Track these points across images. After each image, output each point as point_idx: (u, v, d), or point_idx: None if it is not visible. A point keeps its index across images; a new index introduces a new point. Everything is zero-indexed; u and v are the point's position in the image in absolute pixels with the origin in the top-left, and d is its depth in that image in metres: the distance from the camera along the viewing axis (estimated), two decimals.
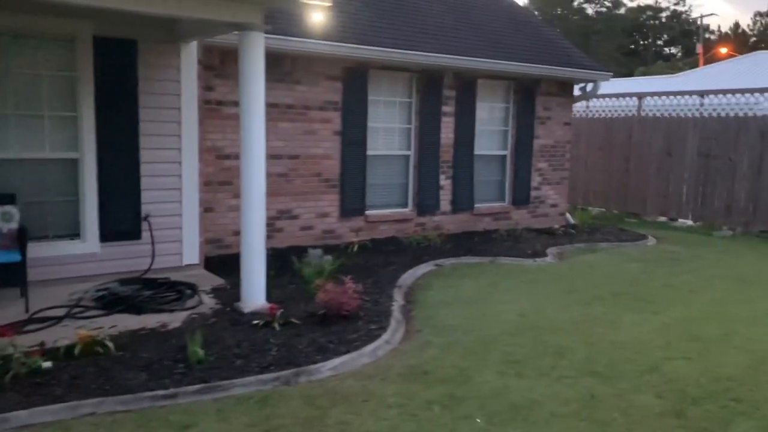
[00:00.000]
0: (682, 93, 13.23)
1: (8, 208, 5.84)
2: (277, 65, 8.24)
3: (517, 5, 12.85)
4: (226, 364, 4.50)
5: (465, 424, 3.75)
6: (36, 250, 6.24)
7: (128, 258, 6.79)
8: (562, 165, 11.67)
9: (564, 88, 11.32)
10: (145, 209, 6.85)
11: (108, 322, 5.40)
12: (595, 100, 14.97)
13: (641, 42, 56.28)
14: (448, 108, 9.93)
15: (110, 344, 4.65)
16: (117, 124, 6.58)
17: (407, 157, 9.76)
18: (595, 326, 5.66)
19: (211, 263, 7.53)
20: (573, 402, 4.06)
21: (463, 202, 10.29)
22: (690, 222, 12.88)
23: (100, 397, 3.94)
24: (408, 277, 7.33)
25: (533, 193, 11.30)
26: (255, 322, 5.39)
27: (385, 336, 5.22)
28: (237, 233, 8.08)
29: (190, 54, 6.97)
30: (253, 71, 5.67)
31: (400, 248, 8.76)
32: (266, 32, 7.70)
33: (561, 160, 11.63)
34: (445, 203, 10.12)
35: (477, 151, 10.43)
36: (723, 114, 12.35)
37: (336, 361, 4.63)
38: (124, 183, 6.70)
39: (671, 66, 40.13)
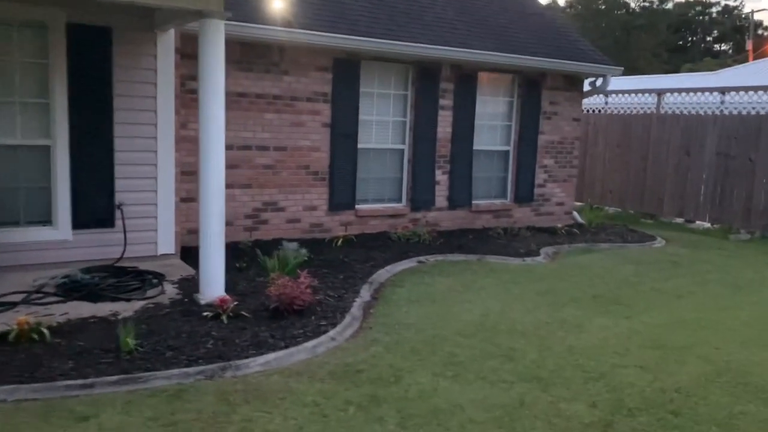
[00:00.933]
0: (701, 90, 12.68)
1: None
2: (264, 56, 8.17)
3: None
4: (156, 355, 4.43)
5: (375, 426, 3.59)
6: (7, 235, 6.32)
7: (101, 246, 6.80)
8: (570, 162, 11.31)
9: (572, 82, 10.96)
10: (118, 197, 6.85)
11: (63, 309, 5.41)
12: (614, 96, 14.54)
13: (689, 38, 54.59)
14: (446, 101, 9.71)
15: (46, 331, 4.63)
16: (90, 111, 6.58)
17: (401, 151, 9.57)
18: (558, 330, 5.41)
19: (190, 253, 7.48)
20: (498, 408, 3.86)
21: (460, 198, 10.06)
22: (707, 224, 12.36)
23: (17, 384, 3.91)
24: (384, 273, 7.17)
25: (537, 191, 10.99)
26: (205, 314, 5.32)
27: (331, 332, 5.08)
28: None
29: (167, 43, 6.93)
30: (213, 60, 5.59)
31: (387, 244, 8.59)
32: (252, 22, 7.72)
33: (568, 157, 11.27)
34: (441, 199, 9.91)
35: (477, 146, 10.18)
36: (744, 112, 11.78)
37: (269, 357, 4.52)
38: (98, 171, 6.71)
39: (720, 63, 38.75)
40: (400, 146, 9.56)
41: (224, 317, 5.22)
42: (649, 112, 13.42)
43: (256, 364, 4.40)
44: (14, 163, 6.39)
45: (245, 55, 8.03)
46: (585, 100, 14.92)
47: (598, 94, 11.43)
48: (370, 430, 3.56)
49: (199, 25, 5.57)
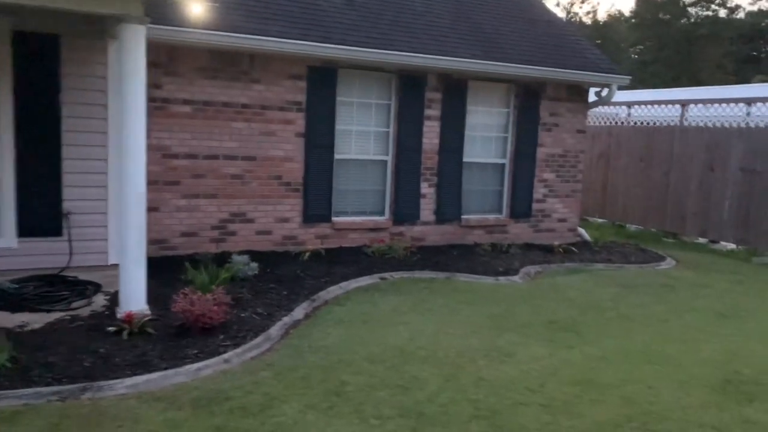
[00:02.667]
0: (726, 101, 11.78)
1: None
2: (233, 63, 8.01)
3: (533, 1, 11.91)
4: (23, 372, 4.24)
5: None
6: None
7: (48, 254, 6.74)
8: (574, 176, 10.67)
9: (576, 92, 10.35)
10: (66, 206, 6.78)
11: None
12: (637, 107, 13.76)
13: (763, 48, 51.77)
14: (433, 111, 9.30)
15: None
16: (38, 119, 6.55)
17: (384, 162, 9.22)
18: (482, 358, 4.93)
19: (151, 264, 7.34)
20: None
21: (448, 212, 9.61)
22: (732, 245, 11.43)
23: None
24: (336, 289, 6.83)
25: (536, 206, 10.40)
26: (110, 329, 5.13)
27: (228, 354, 4.79)
28: (185, 234, 8.01)
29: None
30: (132, 66, 5.41)
31: (358, 258, 8.24)
32: (216, 28, 7.56)
33: (572, 171, 10.64)
34: (427, 213, 9.49)
35: (468, 159, 9.73)
36: None
37: (141, 379, 4.26)
38: (44, 178, 6.66)
39: None
40: (383, 157, 9.21)
41: (125, 333, 5.00)
42: (672, 124, 12.59)
43: (122, 386, 4.15)
44: None
45: (212, 62, 7.88)
46: (606, 111, 14.27)
47: (603, 104, 10.76)
48: None
49: (118, 31, 5.41)
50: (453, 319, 5.93)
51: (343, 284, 7.03)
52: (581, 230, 11.03)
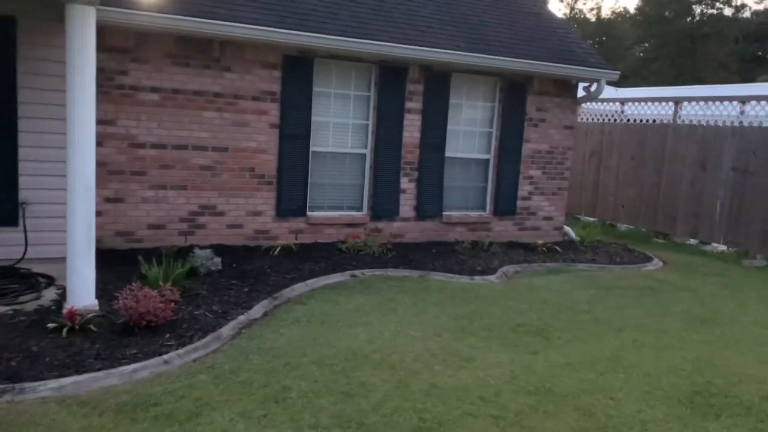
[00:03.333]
0: (720, 98, 11.47)
1: None
2: (203, 50, 7.74)
3: None
4: None
5: None
6: None
7: (3, 245, 6.50)
8: (561, 174, 10.39)
9: (564, 87, 10.06)
10: (22, 195, 6.54)
11: None
12: (630, 104, 13.46)
13: None
14: (414, 104, 9.02)
15: None
16: None
17: (363, 156, 8.95)
18: (439, 364, 4.67)
19: (113, 257, 7.12)
20: None
21: (429, 208, 9.34)
22: (723, 247, 11.13)
23: None
24: (302, 287, 6.58)
25: (521, 204, 10.13)
26: (50, 325, 4.87)
27: (169, 355, 4.54)
28: (152, 227, 7.76)
29: None
30: (79, 50, 5.14)
31: (331, 254, 7.98)
32: (185, 13, 7.28)
33: (559, 168, 10.36)
34: (407, 209, 9.22)
35: (450, 154, 9.45)
36: (765, 124, 10.55)
37: (68, 380, 4.01)
38: (0, 167, 6.41)
39: None
40: (362, 150, 8.93)
41: (65, 331, 4.75)
42: (666, 122, 12.29)
43: (46, 388, 3.90)
44: None
45: (182, 49, 7.61)
46: (599, 107, 13.97)
47: (591, 100, 10.48)
48: None
49: (66, 12, 5.13)
50: (417, 320, 5.68)
51: (311, 281, 6.77)
52: (567, 229, 10.75)
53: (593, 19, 53.82)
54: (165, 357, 4.49)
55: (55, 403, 3.71)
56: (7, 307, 5.34)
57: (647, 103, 12.93)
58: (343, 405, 3.91)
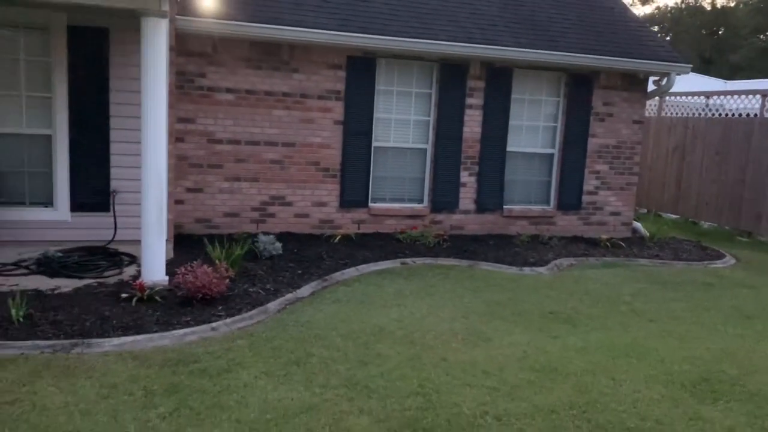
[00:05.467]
0: None
1: None
2: (274, 54, 8.41)
3: None
4: (32, 327, 4.80)
5: (138, 413, 3.63)
6: (14, 213, 7.15)
7: (96, 228, 7.43)
8: (630, 168, 10.29)
9: (632, 81, 9.97)
10: (113, 184, 7.44)
11: (21, 281, 6.02)
12: (715, 97, 12.98)
13: None
14: (474, 100, 9.30)
15: None
16: (88, 105, 7.22)
17: (423, 150, 9.34)
18: (455, 341, 5.01)
19: (191, 241, 7.94)
20: (279, 410, 3.70)
21: (489, 201, 9.59)
22: None
23: None
24: (352, 272, 7.08)
25: (587, 198, 10.14)
26: (123, 295, 5.65)
27: (216, 323, 5.17)
28: (227, 215, 8.55)
29: None
30: (153, 56, 5.89)
31: (386, 243, 8.44)
32: (257, 20, 7.97)
33: (627, 163, 10.27)
34: (467, 201, 9.52)
35: (512, 148, 9.65)
36: None
37: (128, 339, 4.71)
38: (94, 159, 7.35)
39: None
40: (422, 145, 9.33)
41: (134, 300, 5.50)
42: (752, 115, 11.78)
43: (109, 344, 4.62)
44: (19, 149, 7.20)
45: (254, 52, 8.32)
46: (683, 101, 13.55)
47: (661, 94, 10.29)
48: (127, 414, 3.60)
49: (141, 24, 5.90)
50: (451, 304, 6.02)
51: (361, 267, 7.26)
52: (637, 225, 10.63)
53: (708, 8, 50.85)
54: (213, 325, 5.12)
55: (114, 356, 4.41)
56: (94, 281, 6.19)
57: (733, 97, 12.42)
58: (355, 371, 4.36)
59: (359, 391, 4.03)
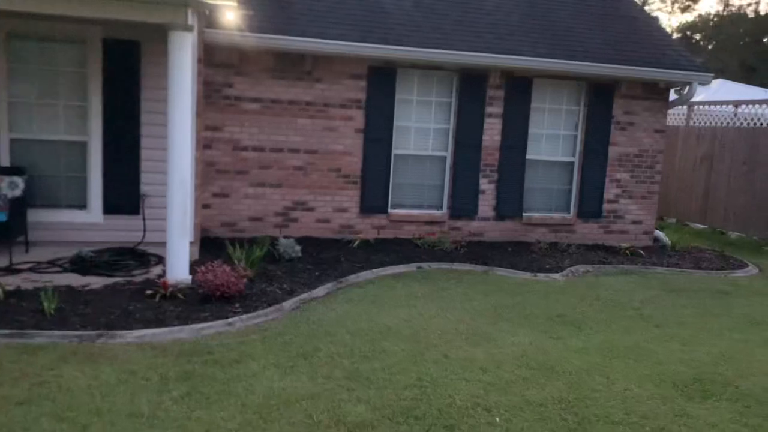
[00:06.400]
0: None
1: (15, 178, 7.21)
2: (297, 64, 8.74)
3: None
4: (63, 319, 5.16)
5: (153, 395, 3.92)
6: (51, 215, 7.60)
7: (127, 230, 7.83)
8: (651, 177, 10.32)
9: (653, 90, 10.02)
10: (143, 189, 7.84)
11: (55, 278, 6.42)
12: (744, 106, 12.88)
13: None
14: (494, 108, 9.49)
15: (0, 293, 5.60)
16: (121, 113, 7.64)
17: (443, 158, 9.55)
18: (460, 341, 5.20)
19: (216, 244, 8.29)
20: (282, 398, 3.95)
21: (508, 209, 9.74)
22: None
23: None
24: (367, 274, 7.32)
25: (608, 207, 10.20)
26: (147, 292, 5.99)
27: (233, 319, 5.45)
28: (252, 219, 8.89)
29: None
30: (179, 67, 6.26)
31: (404, 248, 8.66)
32: (280, 33, 8.33)
33: (649, 172, 10.30)
34: (486, 209, 9.68)
35: (532, 156, 9.79)
36: None
37: (148, 332, 5.03)
38: (126, 164, 7.75)
39: None
40: (442, 153, 9.53)
41: (158, 297, 5.84)
42: None
43: (131, 336, 4.94)
44: (57, 155, 7.66)
45: (278, 63, 8.66)
46: (711, 110, 13.47)
47: (683, 104, 10.29)
48: (143, 397, 3.90)
49: (168, 36, 6.27)
50: (460, 306, 6.20)
51: (377, 270, 7.49)
52: (659, 233, 10.64)
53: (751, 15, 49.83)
54: (229, 320, 5.41)
55: (135, 346, 4.73)
56: (122, 279, 6.55)
57: (762, 105, 12.32)
58: (359, 364, 4.59)
59: (360, 383, 4.26)
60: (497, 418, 3.78)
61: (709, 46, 45.23)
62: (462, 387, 4.24)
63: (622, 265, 8.73)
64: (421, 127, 9.42)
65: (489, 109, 9.48)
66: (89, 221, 7.74)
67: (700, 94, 14.03)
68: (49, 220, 7.57)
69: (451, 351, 4.94)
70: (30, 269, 6.64)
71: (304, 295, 6.33)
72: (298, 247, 7.77)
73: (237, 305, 5.83)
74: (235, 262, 6.78)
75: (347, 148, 9.07)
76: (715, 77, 11.35)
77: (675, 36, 28.69)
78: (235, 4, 6.84)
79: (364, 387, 4.19)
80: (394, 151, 9.26)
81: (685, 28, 30.25)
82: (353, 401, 3.98)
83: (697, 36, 48.70)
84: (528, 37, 9.57)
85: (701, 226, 13.22)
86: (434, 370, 4.53)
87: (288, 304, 6.03)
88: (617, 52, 9.75)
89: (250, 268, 6.60)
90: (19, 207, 7.08)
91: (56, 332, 4.89)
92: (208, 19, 7.87)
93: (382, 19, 9.12)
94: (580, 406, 4.04)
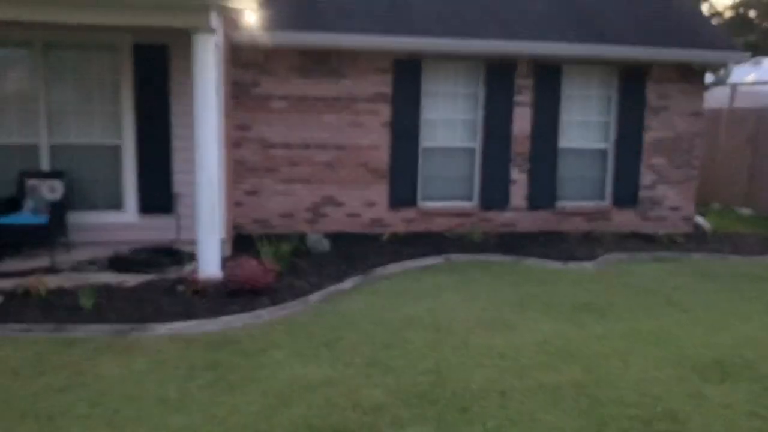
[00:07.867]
0: None
1: (55, 182, 7.53)
2: (323, 61, 8.86)
3: None
4: (99, 314, 5.39)
5: (180, 382, 4.07)
6: (87, 217, 7.89)
7: (161, 229, 8.07)
8: (689, 162, 10.08)
9: (688, 73, 9.78)
10: (176, 188, 8.07)
11: (93, 276, 6.69)
12: None
13: None
14: (523, 98, 9.42)
15: (42, 290, 5.86)
16: (152, 116, 7.87)
17: (471, 149, 9.52)
18: (482, 329, 5.20)
19: (249, 240, 8.47)
20: (304, 384, 4.06)
21: (541, 198, 9.66)
22: None
23: None
24: (394, 267, 7.38)
25: (644, 193, 10.01)
26: (179, 287, 6.19)
27: (262, 311, 5.59)
28: (283, 216, 9.05)
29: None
30: (203, 68, 6.43)
31: (433, 241, 8.69)
32: (305, 30, 8.46)
33: (686, 157, 10.06)
34: (518, 199, 9.63)
35: (564, 144, 9.68)
36: None
37: (180, 324, 5.20)
38: (158, 166, 7.99)
39: None
40: (470, 144, 9.51)
41: (189, 292, 6.02)
42: None
43: (163, 328, 5.12)
44: (93, 158, 7.94)
45: (304, 61, 8.79)
46: (756, 90, 13.06)
47: (720, 85, 10.01)
48: (171, 384, 4.06)
49: (192, 39, 6.44)
50: (485, 296, 6.21)
51: (405, 263, 7.55)
52: (699, 219, 10.38)
53: None
54: (257, 312, 5.55)
55: (166, 338, 4.91)
56: (156, 276, 6.77)
57: None
58: (379, 352, 4.66)
59: (379, 369, 4.33)
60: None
61: (765, 24, 43.57)
62: (479, 372, 4.27)
63: (658, 252, 8.57)
64: (449, 119, 9.42)
65: (518, 98, 9.41)
66: (125, 221, 8.01)
67: (749, 74, 13.61)
68: (88, 222, 7.86)
69: (471, 339, 4.96)
70: (70, 269, 6.92)
71: (330, 288, 6.43)
72: (326, 242, 7.88)
73: (265, 298, 5.96)
74: (263, 257, 6.92)
75: (374, 142, 9.14)
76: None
77: (727, 14, 27.81)
78: (257, 4, 6.97)
79: (383, 373, 4.26)
80: (422, 144, 9.29)
81: (738, 5, 29.21)
82: (371, 386, 4.05)
83: (752, 13, 47.13)
84: (555, 23, 9.46)
85: (747, 211, 12.84)
86: (452, 356, 4.57)
87: (314, 296, 6.14)
88: (647, 34, 9.56)
89: (278, 263, 6.73)
90: (59, 210, 7.37)
91: (93, 326, 5.11)
92: (234, 20, 8.04)
93: (405, 11, 9.16)
94: (594, 388, 4.02)
